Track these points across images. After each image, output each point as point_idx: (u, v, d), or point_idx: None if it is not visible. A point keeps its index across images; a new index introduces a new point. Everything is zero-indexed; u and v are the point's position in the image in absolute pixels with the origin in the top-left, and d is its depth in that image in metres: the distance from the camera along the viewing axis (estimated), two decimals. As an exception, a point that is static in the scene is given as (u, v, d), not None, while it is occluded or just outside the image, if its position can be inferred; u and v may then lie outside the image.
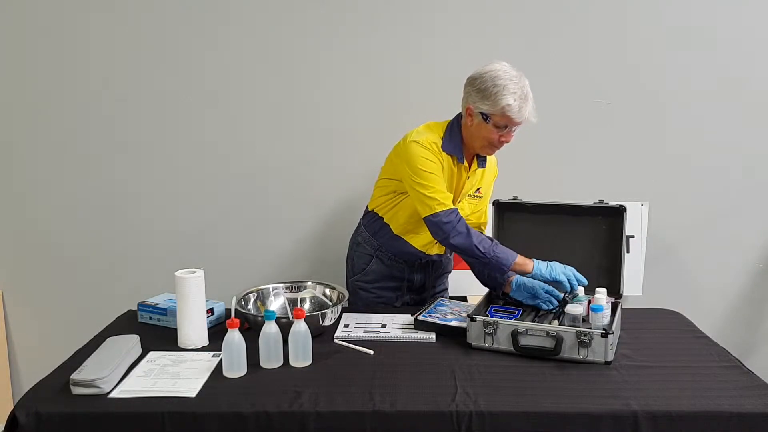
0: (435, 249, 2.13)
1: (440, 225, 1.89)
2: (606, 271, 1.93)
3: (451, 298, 2.24)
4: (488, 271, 1.96)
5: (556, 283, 1.87)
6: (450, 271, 2.33)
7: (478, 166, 2.03)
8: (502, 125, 1.86)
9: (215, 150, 2.63)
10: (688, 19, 2.52)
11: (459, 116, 1.99)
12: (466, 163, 1.98)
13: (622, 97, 2.59)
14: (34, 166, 2.65)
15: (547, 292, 1.87)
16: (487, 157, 2.04)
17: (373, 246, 2.15)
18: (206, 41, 2.55)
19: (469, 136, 1.94)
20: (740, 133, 2.60)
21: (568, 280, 1.85)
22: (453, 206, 1.91)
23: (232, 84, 2.58)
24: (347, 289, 2.21)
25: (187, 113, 2.60)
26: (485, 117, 1.86)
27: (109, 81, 2.58)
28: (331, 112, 2.60)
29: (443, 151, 1.94)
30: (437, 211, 1.89)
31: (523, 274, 1.90)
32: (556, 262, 1.88)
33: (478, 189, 2.08)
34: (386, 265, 2.15)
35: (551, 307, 1.86)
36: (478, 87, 1.85)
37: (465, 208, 2.06)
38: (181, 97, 2.59)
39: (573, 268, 1.86)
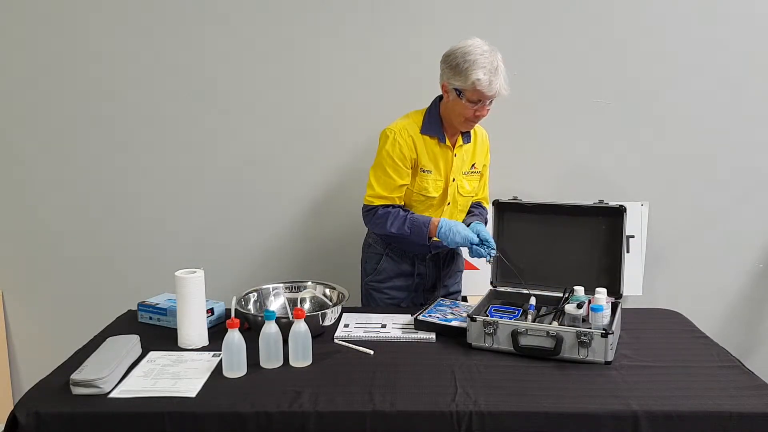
0: None
1: (363, 216, 2.08)
2: (606, 271, 1.92)
3: (448, 295, 2.24)
4: (414, 244, 2.07)
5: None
6: (462, 270, 2.33)
7: (464, 142, 2.07)
8: (475, 100, 1.90)
9: (215, 150, 2.64)
10: (688, 19, 2.52)
11: (437, 99, 2.05)
12: (448, 142, 2.03)
13: (623, 97, 2.59)
14: (34, 166, 2.65)
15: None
16: (473, 130, 2.10)
17: (382, 245, 2.18)
18: (206, 41, 2.55)
19: (447, 113, 2.00)
20: (740, 133, 2.60)
21: (467, 246, 1.93)
22: (380, 203, 2.01)
23: (232, 84, 2.58)
24: (361, 293, 2.23)
25: (188, 113, 2.61)
26: (459, 92, 1.91)
27: (109, 81, 2.58)
28: (332, 112, 2.61)
29: (424, 134, 2.00)
30: (364, 204, 2.06)
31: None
32: (463, 229, 1.94)
33: (472, 165, 2.12)
34: (396, 261, 2.17)
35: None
36: (450, 63, 1.91)
37: (464, 186, 2.10)
38: (181, 97, 2.59)
39: (475, 235, 1.94)
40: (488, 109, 1.95)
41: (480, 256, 1.94)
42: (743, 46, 2.54)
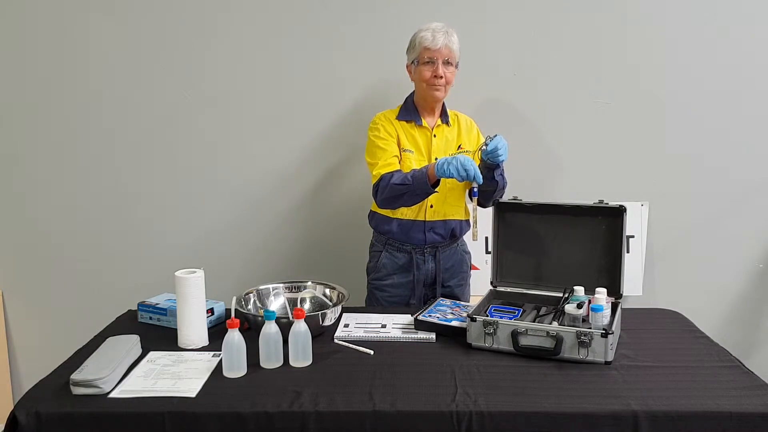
0: (429, 213, 2.15)
1: (374, 195, 2.10)
2: (606, 271, 1.92)
3: (450, 297, 2.24)
4: (418, 198, 2.02)
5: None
6: (467, 271, 2.33)
7: (442, 122, 2.18)
8: (426, 59, 2.06)
9: (215, 150, 2.64)
10: (688, 19, 2.52)
11: (412, 93, 2.20)
12: (424, 123, 2.15)
13: (622, 97, 2.59)
14: (34, 166, 2.65)
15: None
16: (455, 116, 2.20)
17: (381, 241, 2.22)
18: (206, 42, 2.55)
19: (418, 96, 2.16)
20: (740, 133, 2.60)
21: (459, 175, 1.89)
22: (386, 171, 2.04)
23: (232, 85, 2.58)
24: (367, 295, 2.26)
25: (187, 114, 2.61)
26: (415, 63, 2.10)
27: (109, 81, 2.58)
28: (332, 113, 2.60)
29: (401, 120, 2.14)
30: (373, 184, 2.09)
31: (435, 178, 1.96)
32: (459, 158, 1.89)
33: (459, 146, 2.18)
34: (395, 256, 2.19)
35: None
36: (407, 47, 2.13)
37: None
38: (180, 97, 2.59)
39: (469, 165, 1.89)
40: (447, 71, 2.05)
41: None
42: (743, 45, 2.53)
